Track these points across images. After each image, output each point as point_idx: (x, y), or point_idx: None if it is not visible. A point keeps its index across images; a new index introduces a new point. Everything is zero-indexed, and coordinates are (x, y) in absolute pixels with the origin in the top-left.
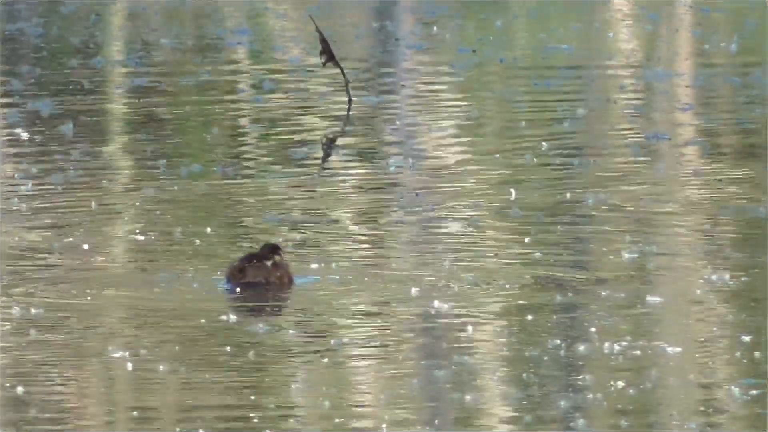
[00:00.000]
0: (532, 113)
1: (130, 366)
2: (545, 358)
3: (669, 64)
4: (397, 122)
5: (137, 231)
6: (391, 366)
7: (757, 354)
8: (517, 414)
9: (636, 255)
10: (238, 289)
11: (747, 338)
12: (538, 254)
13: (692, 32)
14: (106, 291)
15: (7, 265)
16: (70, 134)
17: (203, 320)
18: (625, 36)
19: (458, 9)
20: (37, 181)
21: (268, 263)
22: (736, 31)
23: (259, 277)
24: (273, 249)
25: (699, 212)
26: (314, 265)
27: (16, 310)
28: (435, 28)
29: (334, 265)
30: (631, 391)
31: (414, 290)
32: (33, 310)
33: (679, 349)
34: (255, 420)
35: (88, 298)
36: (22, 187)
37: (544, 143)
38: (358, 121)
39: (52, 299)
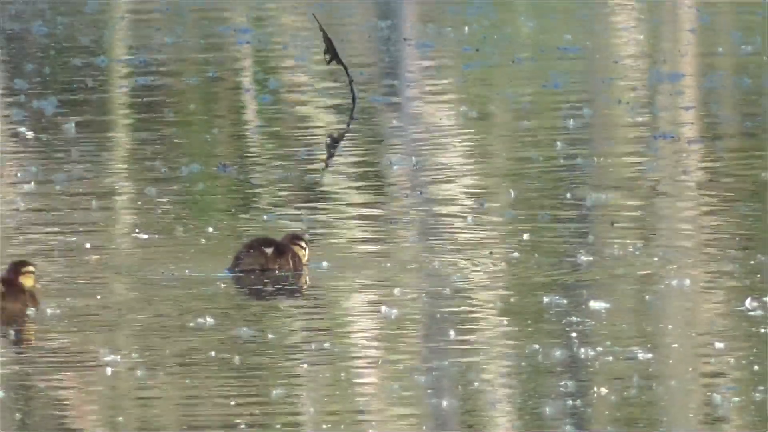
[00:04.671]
0: (537, 113)
1: (127, 367)
2: (533, 361)
3: (679, 65)
4: (401, 121)
5: (138, 230)
6: (379, 369)
7: (736, 361)
8: (513, 414)
9: (629, 257)
10: (231, 274)
11: (739, 344)
12: (533, 254)
13: (711, 33)
14: (108, 290)
15: (8, 264)
16: (72, 133)
17: (203, 320)
18: (633, 36)
19: (463, 8)
20: (39, 180)
21: (268, 251)
22: (760, 33)
23: (255, 265)
24: (293, 238)
25: (700, 213)
26: (313, 264)
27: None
28: (439, 27)
29: (331, 263)
30: (617, 396)
31: (402, 291)
32: (35, 310)
33: (660, 354)
34: (247, 423)
35: (96, 296)
36: (25, 186)
37: (558, 143)
38: (361, 119)
39: (52, 298)
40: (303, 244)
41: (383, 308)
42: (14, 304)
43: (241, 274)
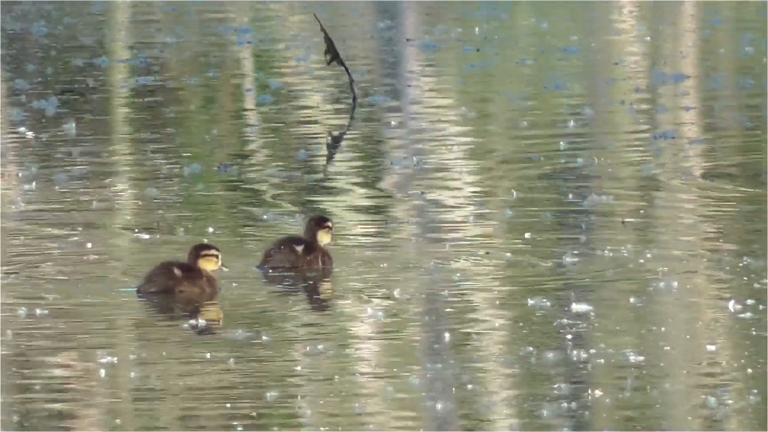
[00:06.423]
0: (538, 114)
1: (124, 368)
2: (527, 363)
3: (683, 66)
4: (401, 121)
5: (138, 230)
6: (375, 370)
7: (728, 364)
8: (508, 416)
9: (625, 259)
10: (263, 272)
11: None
12: (528, 255)
13: (717, 34)
14: (108, 290)
15: (10, 264)
16: (73, 133)
17: (201, 321)
18: (640, 38)
19: (472, 8)
20: (39, 180)
21: (299, 248)
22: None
23: (285, 263)
24: (319, 222)
25: (699, 214)
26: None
27: (18, 310)
28: (448, 27)
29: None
30: (612, 398)
31: (400, 292)
32: (34, 310)
33: (652, 356)
34: (244, 425)
35: (96, 296)
36: (25, 186)
37: (561, 143)
38: (362, 120)
39: (53, 298)
40: (329, 224)
41: (369, 310)
42: (191, 288)
43: (272, 272)
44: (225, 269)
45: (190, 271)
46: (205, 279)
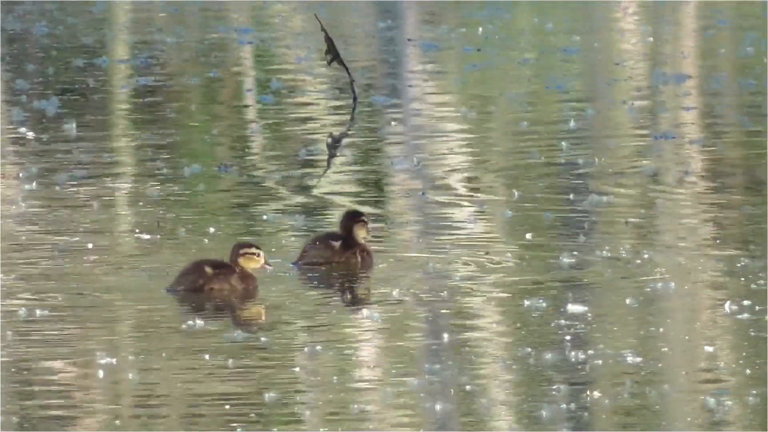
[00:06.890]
0: (540, 114)
1: (123, 369)
2: (525, 364)
3: (684, 66)
4: (402, 121)
5: (139, 230)
6: (373, 372)
7: (726, 365)
8: (507, 417)
9: (624, 259)
10: (297, 268)
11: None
12: (528, 255)
13: (721, 35)
14: (108, 291)
15: (10, 264)
16: (73, 133)
17: (199, 322)
18: (642, 38)
19: (465, 8)
20: (40, 180)
21: (336, 244)
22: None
23: (319, 258)
24: (352, 216)
25: (699, 215)
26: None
27: (18, 310)
28: (440, 27)
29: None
30: (611, 399)
31: (400, 292)
32: (35, 310)
33: (650, 358)
34: (242, 426)
35: (96, 297)
36: (26, 186)
37: (562, 143)
38: (363, 120)
39: (54, 299)
40: (363, 218)
41: (365, 311)
42: (221, 285)
43: (306, 267)
44: (269, 267)
45: (222, 268)
46: (237, 277)
